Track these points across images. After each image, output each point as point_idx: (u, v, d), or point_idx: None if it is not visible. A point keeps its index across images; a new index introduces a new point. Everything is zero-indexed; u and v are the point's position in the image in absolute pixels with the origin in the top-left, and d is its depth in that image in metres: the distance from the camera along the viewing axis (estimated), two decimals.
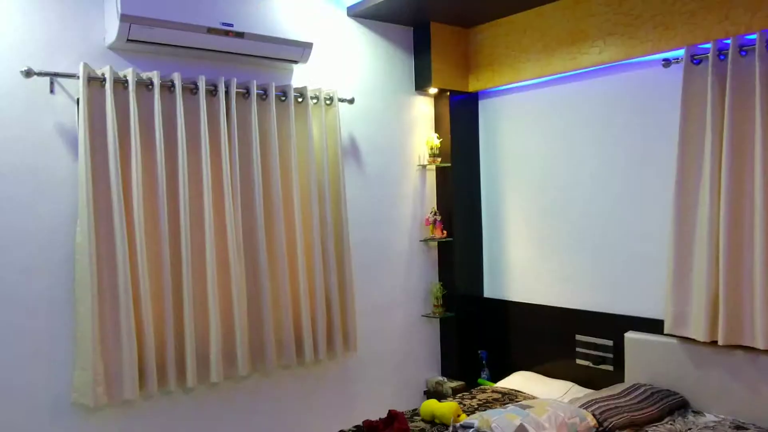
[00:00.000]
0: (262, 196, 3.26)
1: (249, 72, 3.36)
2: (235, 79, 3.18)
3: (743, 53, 2.86)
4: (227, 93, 3.17)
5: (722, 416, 2.95)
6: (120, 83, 2.87)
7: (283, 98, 3.38)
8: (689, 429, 2.81)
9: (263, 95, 3.30)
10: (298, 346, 3.42)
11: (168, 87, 3.01)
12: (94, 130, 2.82)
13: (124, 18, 2.79)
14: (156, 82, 2.93)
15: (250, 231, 3.26)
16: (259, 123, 3.29)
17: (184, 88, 3.05)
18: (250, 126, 3.23)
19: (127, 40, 2.87)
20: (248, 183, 3.25)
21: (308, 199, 3.46)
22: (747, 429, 2.79)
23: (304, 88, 3.44)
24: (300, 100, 3.45)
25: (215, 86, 3.13)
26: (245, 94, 3.24)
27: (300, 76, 3.57)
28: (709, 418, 2.95)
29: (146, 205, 2.94)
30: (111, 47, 2.96)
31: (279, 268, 3.31)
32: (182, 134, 3.01)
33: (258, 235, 3.25)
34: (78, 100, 2.79)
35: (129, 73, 2.87)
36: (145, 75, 2.95)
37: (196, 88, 3.07)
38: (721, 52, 2.92)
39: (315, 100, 3.50)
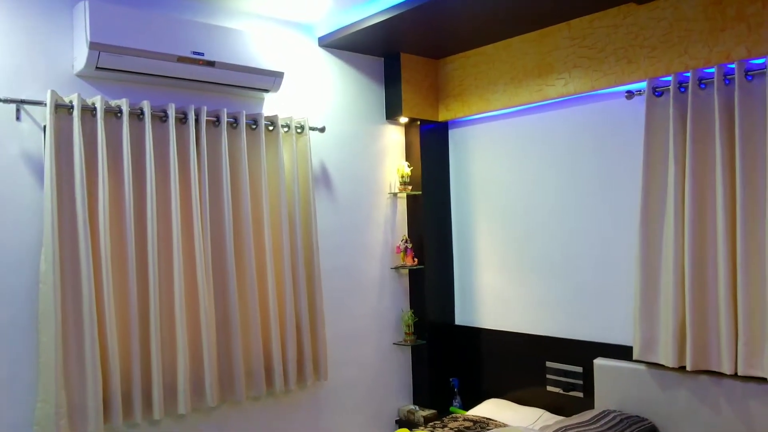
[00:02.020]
0: (232, 225, 3.24)
1: (220, 100, 3.37)
2: (206, 108, 3.18)
3: (702, 86, 2.95)
4: (197, 121, 3.16)
5: None
6: (88, 111, 2.85)
7: (254, 126, 3.38)
8: None
9: (234, 123, 3.31)
10: (268, 375, 3.38)
11: (137, 115, 3.00)
12: (61, 157, 2.79)
13: (93, 46, 2.78)
14: (125, 109, 2.92)
15: (220, 259, 3.23)
16: (230, 151, 3.28)
17: (153, 116, 3.04)
18: (221, 154, 3.23)
19: (96, 67, 2.86)
20: (218, 211, 3.23)
21: (279, 226, 3.45)
22: None
23: (275, 116, 3.45)
24: (271, 128, 3.46)
25: (185, 114, 3.12)
26: (215, 122, 3.24)
27: (271, 105, 3.58)
28: None
29: (113, 233, 2.90)
30: (79, 75, 2.94)
31: (249, 297, 3.28)
32: (151, 162, 2.99)
33: (227, 263, 3.22)
34: (45, 127, 2.76)
35: (97, 100, 2.85)
36: (113, 103, 2.93)
37: (166, 116, 3.06)
38: (681, 85, 3.01)
39: (286, 129, 3.52)
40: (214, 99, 3.35)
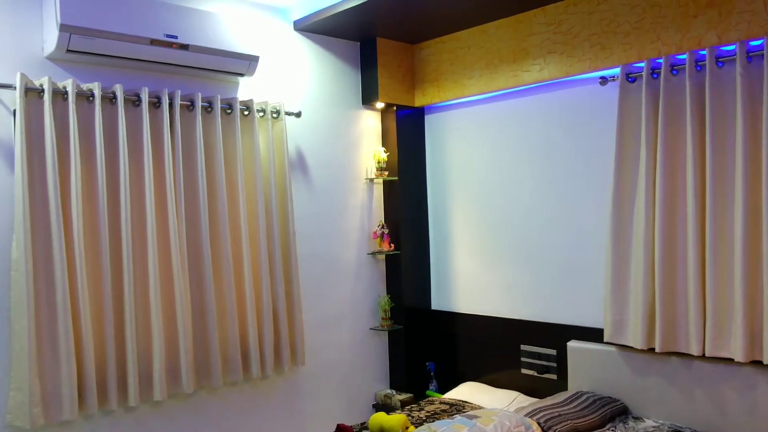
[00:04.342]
0: (207, 210, 3.22)
1: (194, 84, 3.33)
2: (180, 91, 3.14)
3: (674, 72, 3.00)
4: (171, 105, 3.13)
5: (661, 421, 3.05)
6: (59, 94, 2.80)
7: (229, 111, 3.35)
8: None
9: (208, 108, 3.27)
10: (244, 361, 3.38)
11: (109, 99, 2.95)
12: (32, 142, 2.74)
13: (63, 28, 2.73)
14: (97, 93, 2.87)
15: (195, 245, 3.21)
16: (204, 136, 3.25)
17: (126, 100, 3.00)
18: (195, 139, 3.20)
19: (67, 50, 2.81)
20: (193, 196, 3.21)
21: (255, 212, 3.43)
22: None
23: (251, 101, 3.42)
24: (246, 113, 3.43)
25: (159, 98, 3.08)
26: (190, 106, 3.20)
27: (246, 89, 3.55)
28: (649, 423, 3.04)
29: (86, 219, 2.87)
30: (50, 57, 2.88)
31: (225, 282, 3.27)
32: (124, 147, 2.95)
33: (203, 249, 3.20)
34: (15, 111, 2.71)
35: (69, 84, 2.80)
36: (85, 86, 2.88)
37: (139, 100, 3.02)
38: (654, 71, 3.05)
39: (261, 113, 3.49)
40: (188, 83, 3.31)
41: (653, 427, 2.99)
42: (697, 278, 2.90)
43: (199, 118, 3.20)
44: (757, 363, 2.79)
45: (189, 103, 3.20)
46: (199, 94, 3.20)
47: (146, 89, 3.03)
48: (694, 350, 2.91)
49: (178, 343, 3.09)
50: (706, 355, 2.89)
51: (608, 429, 2.96)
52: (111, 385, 2.90)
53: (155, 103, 3.09)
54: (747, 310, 2.75)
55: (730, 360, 2.85)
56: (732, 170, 2.83)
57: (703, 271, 2.90)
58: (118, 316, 2.95)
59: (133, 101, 3.02)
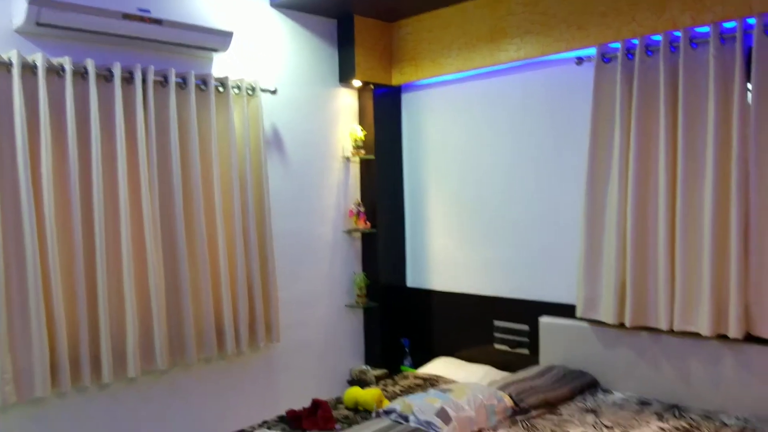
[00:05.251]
0: (181, 187, 3.20)
1: (167, 60, 3.28)
2: (153, 67, 3.10)
3: (649, 53, 3.03)
4: (144, 81, 3.08)
5: (629, 393, 3.14)
6: (28, 69, 2.74)
7: (204, 87, 3.32)
8: (599, 406, 2.97)
9: (182, 84, 3.24)
10: (219, 337, 3.39)
11: (81, 74, 2.90)
12: (1, 117, 2.69)
13: (33, 0, 2.67)
14: (68, 68, 2.82)
15: (169, 222, 3.19)
16: (178, 112, 3.22)
17: (98, 76, 2.95)
18: (169, 115, 3.16)
19: (37, 23, 2.75)
20: (166, 173, 3.18)
21: (229, 189, 3.42)
22: (650, 404, 2.98)
23: (225, 77, 3.39)
24: (221, 89, 3.40)
25: (131, 74, 3.04)
26: (163, 82, 3.16)
27: (221, 66, 3.51)
28: (617, 395, 3.13)
29: (57, 196, 2.83)
30: (19, 31, 2.82)
31: (199, 259, 3.26)
32: (96, 124, 2.91)
33: (177, 226, 3.19)
34: None
35: (38, 58, 2.75)
36: (55, 61, 2.83)
37: (111, 75, 2.98)
38: (629, 52, 3.08)
39: (237, 90, 3.46)
40: (161, 58, 3.26)
41: (622, 399, 3.07)
42: (667, 256, 2.96)
43: (173, 94, 3.16)
44: (723, 337, 2.87)
45: (162, 79, 3.16)
46: (173, 69, 3.17)
47: (119, 65, 2.98)
48: (663, 325, 2.98)
49: (152, 320, 3.09)
50: (674, 329, 2.96)
51: (578, 401, 3.04)
52: (84, 361, 2.89)
53: (128, 79, 3.05)
54: (714, 287, 2.82)
55: (697, 334, 2.93)
56: (703, 151, 2.88)
57: (673, 249, 2.97)
58: (90, 292, 2.93)
59: (105, 77, 2.98)
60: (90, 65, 2.89)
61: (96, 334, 2.94)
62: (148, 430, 3.24)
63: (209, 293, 3.29)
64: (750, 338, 2.81)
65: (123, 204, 2.99)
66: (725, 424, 2.70)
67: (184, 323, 3.22)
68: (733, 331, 2.78)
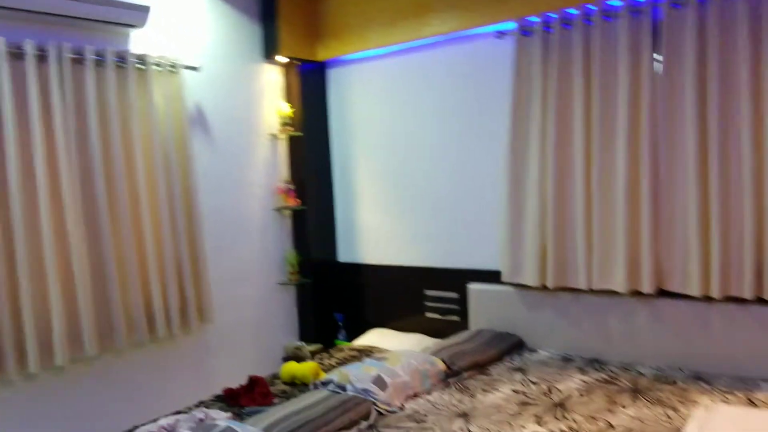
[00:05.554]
0: (102, 168, 3.11)
1: (82, 37, 3.16)
2: (68, 44, 2.98)
3: (566, 26, 3.15)
4: (59, 58, 2.96)
5: (553, 351, 3.31)
6: None
7: (122, 65, 3.22)
8: (525, 365, 3.12)
9: (100, 61, 3.13)
10: (149, 321, 3.33)
11: None
12: None
13: None
14: None
15: (91, 205, 3.10)
16: (97, 91, 3.11)
17: (9, 54, 2.81)
18: (86, 94, 3.06)
19: None
20: (86, 154, 3.08)
21: (153, 170, 3.34)
22: (573, 360, 3.16)
23: (145, 54, 3.30)
24: (141, 67, 3.30)
25: (45, 51, 2.91)
26: (80, 59, 3.05)
27: (140, 42, 3.41)
28: (543, 354, 3.29)
29: None
30: None
31: (124, 242, 3.19)
32: (9, 104, 2.78)
33: (99, 209, 3.10)
34: None
35: None
36: None
37: (23, 53, 2.84)
38: (547, 25, 3.19)
39: (157, 67, 3.37)
40: (76, 35, 3.13)
41: (546, 356, 3.24)
42: (584, 220, 3.13)
43: (90, 72, 3.05)
44: (637, 293, 3.07)
45: (78, 56, 3.04)
46: (89, 46, 3.05)
47: (30, 42, 2.85)
48: (583, 285, 3.16)
49: (78, 306, 3.01)
50: (593, 288, 3.15)
51: (506, 361, 3.19)
52: (8, 351, 2.79)
53: (41, 57, 2.92)
54: (628, 247, 3.01)
55: (614, 292, 3.12)
56: (615, 120, 3.04)
57: (590, 213, 3.14)
58: (11, 279, 2.82)
59: (16, 54, 2.85)
60: (0, 43, 2.76)
61: (19, 322, 2.84)
62: (80, 418, 3.16)
63: (137, 277, 3.23)
64: (662, 293, 3.02)
65: (41, 188, 2.88)
66: (641, 374, 2.90)
67: (112, 308, 3.15)
68: (646, 286, 2.98)
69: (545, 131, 3.22)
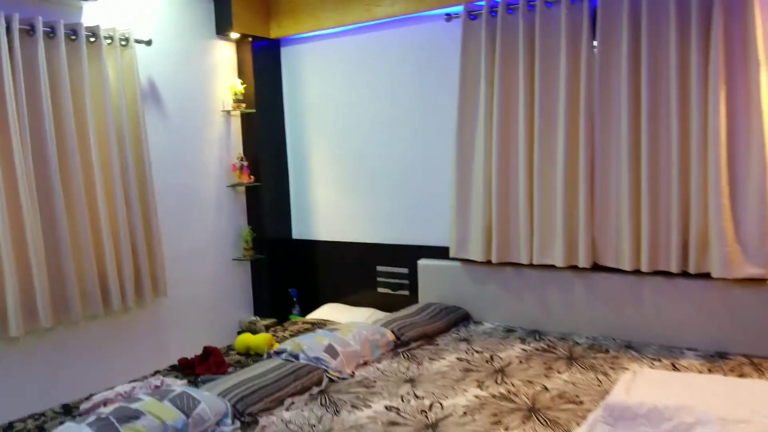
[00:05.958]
0: (55, 142, 3.10)
1: (32, 8, 3.12)
2: (18, 15, 2.95)
3: (510, 11, 3.28)
4: (9, 30, 2.93)
5: (497, 323, 3.49)
6: None
7: (74, 37, 3.21)
8: (470, 336, 3.29)
9: (51, 34, 3.11)
10: (104, 294, 3.36)
11: None
12: None
13: None
14: None
15: (44, 179, 3.10)
16: (48, 64, 3.10)
17: None
18: (38, 67, 3.04)
19: None
20: (38, 128, 3.07)
21: (106, 144, 3.35)
22: (515, 331, 3.34)
23: (97, 26, 3.29)
24: (93, 39, 3.29)
25: None
26: (30, 32, 3.02)
27: (92, 15, 3.39)
28: (487, 326, 3.47)
29: None
30: None
31: (78, 216, 3.20)
32: None
33: (53, 182, 3.10)
34: None
35: None
36: None
37: None
38: (492, 9, 3.31)
39: (109, 41, 3.37)
40: (25, 7, 3.10)
41: (490, 328, 3.42)
42: (527, 199, 3.30)
43: (41, 44, 3.03)
44: (574, 267, 3.26)
45: (29, 27, 3.02)
46: (40, 18, 3.03)
47: None
48: (524, 259, 3.33)
49: (32, 278, 3.02)
50: (534, 263, 3.32)
51: (452, 332, 3.35)
52: None
53: None
54: (566, 224, 3.18)
55: (553, 266, 3.30)
56: (556, 102, 3.20)
57: (531, 191, 3.30)
58: None
59: None
60: None
61: None
62: (34, 388, 3.18)
63: (91, 250, 3.25)
64: (596, 267, 3.21)
65: None
66: (577, 343, 3.10)
67: (66, 280, 3.17)
68: (582, 261, 3.17)
69: (490, 113, 3.36)
